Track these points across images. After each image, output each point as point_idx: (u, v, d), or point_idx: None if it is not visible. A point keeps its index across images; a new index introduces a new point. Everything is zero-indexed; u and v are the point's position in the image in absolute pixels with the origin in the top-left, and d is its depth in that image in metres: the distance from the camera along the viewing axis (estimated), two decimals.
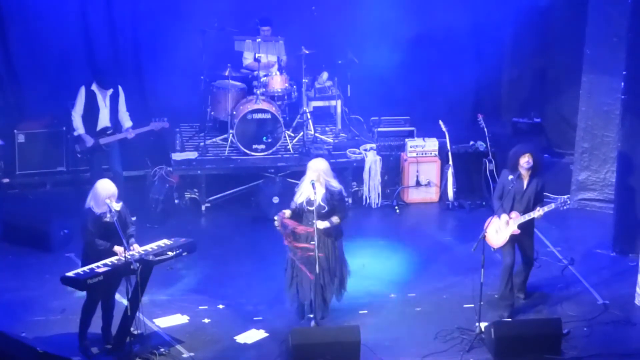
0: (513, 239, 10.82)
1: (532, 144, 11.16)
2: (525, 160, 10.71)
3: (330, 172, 10.53)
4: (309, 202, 10.39)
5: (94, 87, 13.11)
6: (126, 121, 13.28)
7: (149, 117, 13.59)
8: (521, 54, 16.04)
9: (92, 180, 11.44)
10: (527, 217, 10.72)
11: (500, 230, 10.76)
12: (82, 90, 13.12)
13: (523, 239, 10.89)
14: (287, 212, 10.54)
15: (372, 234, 13.45)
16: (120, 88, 13.24)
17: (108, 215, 9.99)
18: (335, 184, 10.52)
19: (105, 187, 10.07)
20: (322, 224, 10.33)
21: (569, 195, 13.69)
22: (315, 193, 10.32)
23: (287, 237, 10.47)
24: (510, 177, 10.75)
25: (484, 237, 10.60)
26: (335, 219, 10.43)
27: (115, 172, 13.25)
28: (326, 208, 10.39)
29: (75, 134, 13.27)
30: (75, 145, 13.41)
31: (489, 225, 10.68)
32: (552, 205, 10.73)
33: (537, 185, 10.81)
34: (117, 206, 10.04)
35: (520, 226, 10.74)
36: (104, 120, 13.17)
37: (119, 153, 13.34)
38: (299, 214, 10.52)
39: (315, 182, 10.35)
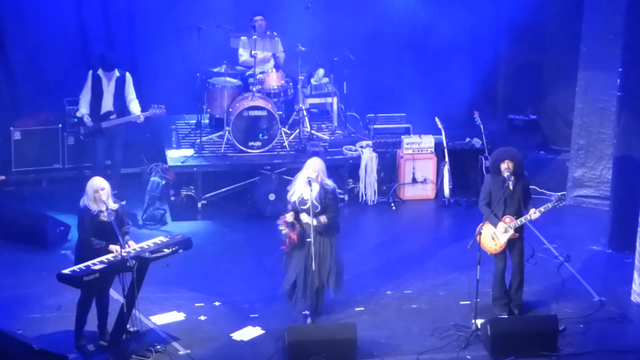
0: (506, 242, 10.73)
1: (510, 147, 10.82)
2: (505, 167, 10.55)
3: (325, 172, 10.55)
4: (302, 202, 10.40)
5: (99, 72, 13.32)
6: (134, 107, 13.37)
7: None
8: (517, 50, 16.01)
9: (94, 172, 11.35)
10: (523, 220, 10.62)
11: (496, 236, 10.65)
12: (89, 75, 13.36)
13: (514, 241, 10.75)
14: (289, 216, 10.50)
15: (368, 231, 13.46)
16: (127, 74, 13.42)
17: (105, 214, 9.98)
18: (330, 183, 10.55)
19: (95, 182, 10.07)
20: (309, 219, 10.30)
21: (564, 192, 13.72)
22: (311, 190, 10.34)
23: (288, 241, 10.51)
24: (503, 179, 10.52)
25: (480, 235, 10.57)
26: (323, 218, 10.39)
27: (113, 159, 13.34)
28: (319, 207, 10.39)
29: (78, 114, 13.44)
30: (79, 128, 13.49)
31: (482, 228, 10.62)
32: (549, 206, 10.62)
33: (523, 185, 10.70)
34: (113, 205, 10.04)
35: (516, 229, 10.68)
36: (107, 104, 13.31)
37: (122, 142, 13.46)
38: (296, 213, 10.53)
39: (312, 181, 10.36)
